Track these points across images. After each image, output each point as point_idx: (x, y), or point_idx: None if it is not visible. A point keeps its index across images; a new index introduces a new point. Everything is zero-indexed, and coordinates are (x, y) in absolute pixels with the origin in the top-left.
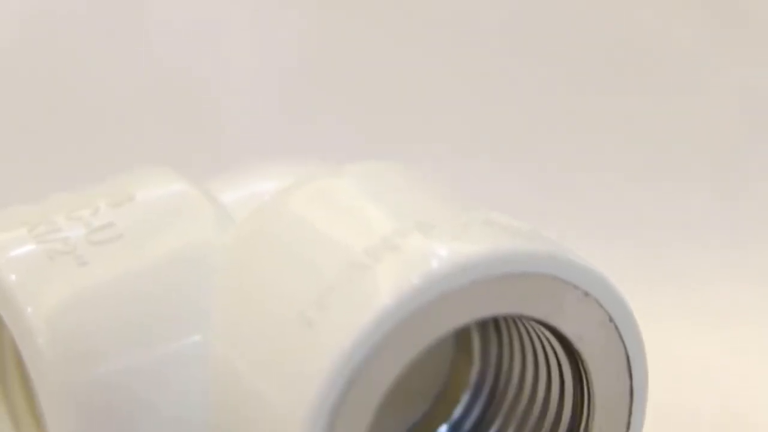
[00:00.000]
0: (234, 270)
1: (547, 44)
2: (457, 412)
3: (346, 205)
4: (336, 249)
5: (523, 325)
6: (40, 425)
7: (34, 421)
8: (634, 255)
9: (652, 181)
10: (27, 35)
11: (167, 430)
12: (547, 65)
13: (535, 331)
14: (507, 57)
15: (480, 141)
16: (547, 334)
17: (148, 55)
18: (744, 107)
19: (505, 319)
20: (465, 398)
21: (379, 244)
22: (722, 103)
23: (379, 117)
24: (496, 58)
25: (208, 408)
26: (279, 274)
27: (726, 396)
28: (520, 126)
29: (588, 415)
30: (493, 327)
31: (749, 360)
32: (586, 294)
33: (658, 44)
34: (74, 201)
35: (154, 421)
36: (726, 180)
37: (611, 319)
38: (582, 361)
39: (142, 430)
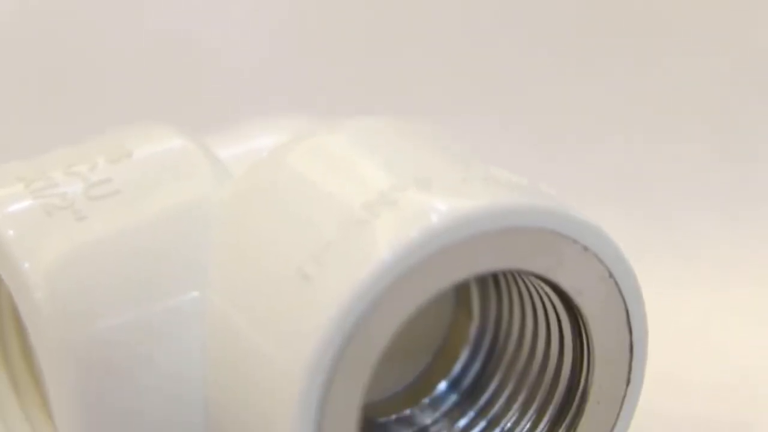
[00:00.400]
0: (231, 226)
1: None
2: (457, 368)
3: (343, 160)
4: (333, 204)
5: (523, 280)
6: (38, 383)
7: (32, 378)
8: (635, 215)
9: (653, 142)
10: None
11: (166, 385)
12: (544, 26)
13: (534, 286)
14: (504, 16)
15: (479, 99)
16: (547, 289)
17: (144, 12)
18: (745, 67)
19: (505, 274)
20: (464, 354)
21: (377, 199)
22: (724, 62)
23: (378, 69)
24: (495, 15)
25: (207, 364)
26: (276, 230)
27: (726, 354)
28: (516, 86)
29: (588, 370)
30: (493, 283)
31: (749, 319)
32: (586, 249)
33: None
34: (72, 157)
35: (152, 376)
36: (728, 138)
37: (611, 275)
38: (581, 317)
39: (140, 385)
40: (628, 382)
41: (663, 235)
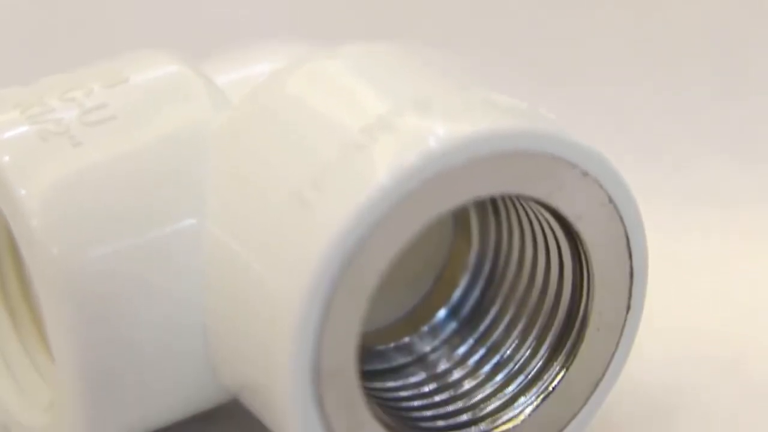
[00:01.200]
0: (229, 151)
1: None
2: (456, 294)
3: (341, 85)
4: (331, 129)
5: (522, 206)
6: (35, 313)
7: (30, 309)
8: (636, 145)
9: (658, 80)
10: None
11: (163, 313)
12: None
13: (534, 212)
14: None
15: (479, 31)
16: (547, 215)
17: None
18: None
19: (504, 199)
20: (464, 281)
21: (376, 123)
22: None
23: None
24: None
25: (205, 291)
26: (274, 156)
27: (729, 282)
28: (519, 19)
29: (588, 296)
30: (492, 209)
31: (750, 246)
32: (586, 174)
33: None
34: (67, 82)
35: (150, 304)
36: (730, 67)
37: (611, 200)
38: (581, 243)
39: (138, 313)
40: (629, 308)
41: (668, 177)
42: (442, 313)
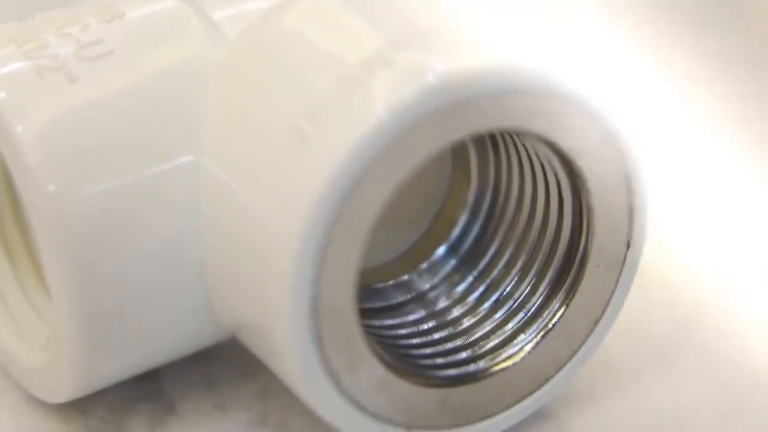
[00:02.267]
0: (225, 87)
1: None
2: (456, 232)
3: (340, 20)
4: (329, 64)
5: (522, 142)
6: (32, 252)
7: (27, 248)
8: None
9: None
10: None
11: (161, 250)
12: None
13: (533, 148)
14: None
15: None
16: (546, 151)
17: None
18: None
19: (503, 136)
20: (463, 218)
21: (373, 57)
22: None
23: None
24: None
25: (202, 228)
26: (271, 91)
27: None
28: None
29: (587, 233)
30: (491, 145)
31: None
32: (584, 109)
33: None
34: (64, 18)
35: (147, 242)
36: None
37: (610, 135)
38: (581, 179)
39: (135, 250)
40: (628, 245)
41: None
42: (441, 250)
